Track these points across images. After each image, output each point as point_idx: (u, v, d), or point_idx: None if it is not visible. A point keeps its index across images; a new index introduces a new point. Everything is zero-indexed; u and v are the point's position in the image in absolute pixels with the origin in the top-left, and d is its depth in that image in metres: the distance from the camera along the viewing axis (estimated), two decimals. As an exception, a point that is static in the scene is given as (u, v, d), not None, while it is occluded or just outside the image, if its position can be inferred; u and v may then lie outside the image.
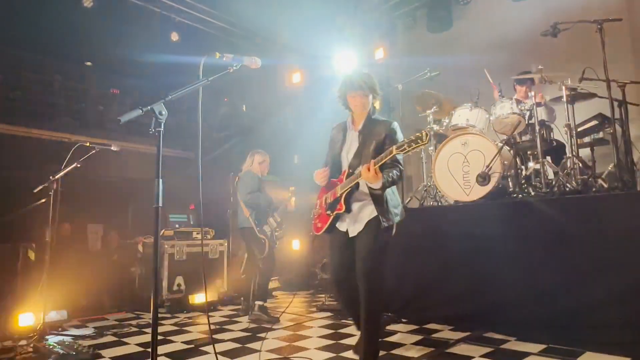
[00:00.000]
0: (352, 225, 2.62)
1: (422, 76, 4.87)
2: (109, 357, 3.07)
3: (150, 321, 1.60)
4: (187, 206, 6.78)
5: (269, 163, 4.62)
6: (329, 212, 2.68)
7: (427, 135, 2.22)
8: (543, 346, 2.92)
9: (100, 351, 3.20)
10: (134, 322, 4.23)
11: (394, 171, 2.47)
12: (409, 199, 4.82)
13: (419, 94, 4.73)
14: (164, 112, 1.70)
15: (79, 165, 3.65)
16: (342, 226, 2.68)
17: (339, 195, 2.61)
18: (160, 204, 1.65)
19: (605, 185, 3.51)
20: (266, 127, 8.15)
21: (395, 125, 2.63)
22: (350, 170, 2.60)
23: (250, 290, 4.33)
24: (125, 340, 3.56)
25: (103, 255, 6.36)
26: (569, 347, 2.85)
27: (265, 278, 4.26)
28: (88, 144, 3.66)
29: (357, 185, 2.55)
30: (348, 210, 2.60)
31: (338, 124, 2.84)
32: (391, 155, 2.33)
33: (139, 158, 8.19)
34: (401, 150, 2.29)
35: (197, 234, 5.28)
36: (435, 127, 4.59)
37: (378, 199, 2.54)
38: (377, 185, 2.42)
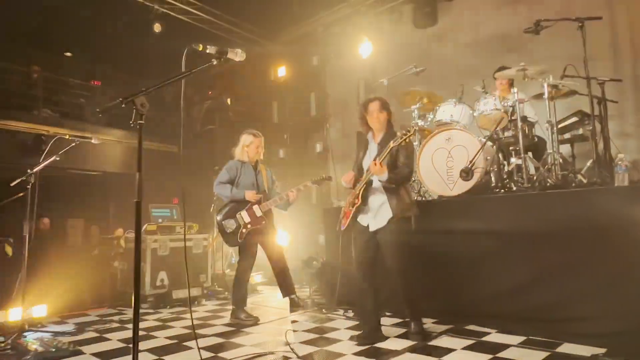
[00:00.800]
0: (373, 220, 3.10)
1: (407, 71, 4.88)
2: (90, 354, 3.03)
3: (132, 317, 1.58)
4: (170, 200, 6.70)
5: (260, 146, 4.04)
6: (350, 207, 3.19)
7: (414, 130, 2.93)
8: (523, 338, 2.98)
9: (81, 347, 3.15)
10: (115, 318, 4.18)
11: (404, 169, 3.06)
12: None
13: (403, 92, 4.75)
14: (145, 105, 1.66)
15: (58, 158, 3.56)
16: (363, 220, 3.16)
17: (357, 192, 3.12)
18: (141, 198, 1.62)
19: (585, 181, 3.58)
20: (251, 121, 8.09)
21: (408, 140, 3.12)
22: (367, 173, 3.13)
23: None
24: (106, 336, 3.51)
25: (84, 250, 6.24)
26: (547, 338, 2.92)
27: (237, 280, 3.89)
28: (68, 137, 3.57)
29: (371, 182, 3.07)
30: (364, 203, 3.09)
31: (360, 141, 3.42)
32: (389, 149, 2.92)
33: (121, 151, 8.05)
34: (396, 144, 2.89)
35: (181, 228, 5.21)
36: (420, 123, 4.61)
37: (395, 194, 3.04)
38: (383, 177, 2.96)
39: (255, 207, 3.84)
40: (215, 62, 1.98)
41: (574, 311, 2.93)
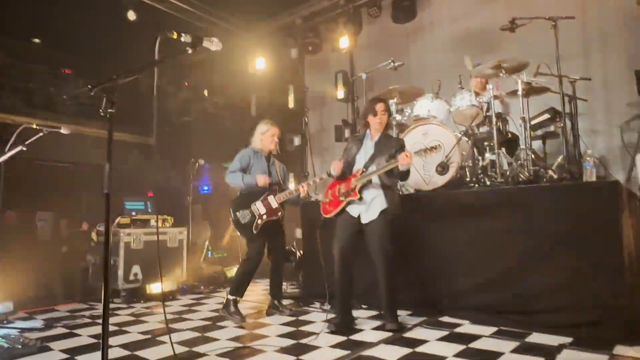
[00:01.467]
0: (365, 213, 3.23)
1: (386, 66, 4.90)
2: (59, 350, 2.94)
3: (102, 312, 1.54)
4: (144, 193, 6.56)
5: (277, 135, 3.93)
6: (342, 198, 3.30)
7: (438, 145, 3.29)
8: (494, 329, 3.06)
9: (49, 344, 3.06)
10: (86, 313, 4.07)
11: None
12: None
13: (381, 94, 4.75)
14: (115, 93, 1.61)
15: (24, 149, 3.40)
16: (353, 211, 3.28)
17: (354, 185, 3.25)
18: (111, 190, 1.56)
19: (555, 176, 3.69)
20: (229, 113, 7.98)
21: (404, 141, 3.38)
22: (364, 170, 3.27)
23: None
24: (76, 332, 3.42)
25: (53, 244, 6.04)
26: (517, 329, 3.00)
27: (242, 270, 3.75)
28: (35, 126, 3.42)
29: (371, 180, 3.23)
30: (360, 198, 3.22)
31: (355, 136, 3.65)
32: (418, 152, 3.26)
33: (93, 142, 7.80)
34: (424, 153, 3.27)
35: (156, 221, 5.11)
36: (398, 117, 4.64)
37: (390, 191, 3.23)
38: (407, 167, 3.12)
39: (271, 198, 3.70)
40: (190, 51, 1.93)
41: (543, 303, 3.03)
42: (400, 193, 4.34)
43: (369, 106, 3.41)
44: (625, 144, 4.01)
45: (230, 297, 3.66)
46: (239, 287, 3.71)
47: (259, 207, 3.69)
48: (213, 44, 1.98)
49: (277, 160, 4.06)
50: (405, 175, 3.24)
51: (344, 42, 6.45)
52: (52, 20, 7.43)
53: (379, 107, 3.34)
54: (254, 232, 3.65)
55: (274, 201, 3.71)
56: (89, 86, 1.55)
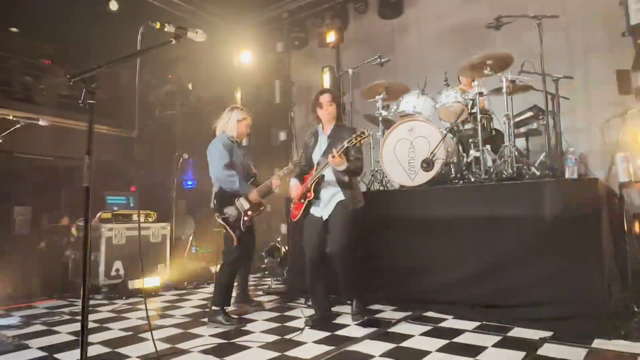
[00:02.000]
0: (324, 209, 3.21)
1: (372, 62, 4.89)
2: (37, 347, 2.86)
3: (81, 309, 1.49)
4: (127, 188, 6.44)
5: (249, 126, 3.69)
6: (302, 200, 3.27)
7: (368, 133, 3.00)
8: (477, 323, 3.10)
9: (27, 341, 2.98)
10: (66, 310, 3.98)
11: (357, 162, 3.18)
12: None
13: (366, 88, 4.75)
14: (95, 84, 1.56)
15: (0, 141, 3.31)
16: (316, 212, 3.25)
17: (309, 185, 3.20)
18: (91, 183, 1.52)
19: (538, 173, 3.74)
20: (213, 107, 7.88)
21: (354, 131, 3.12)
22: (318, 166, 3.20)
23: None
24: (55, 329, 3.34)
25: (31, 239, 5.89)
26: (500, 324, 3.04)
27: (225, 278, 3.42)
28: (12, 117, 3.32)
29: (324, 175, 3.16)
30: (317, 197, 3.18)
31: (310, 132, 3.51)
32: (343, 148, 2.99)
33: (73, 135, 7.61)
34: (350, 144, 2.98)
35: (138, 216, 5.02)
36: (384, 113, 4.65)
37: (346, 186, 3.16)
38: (343, 167, 3.05)
39: (255, 191, 3.49)
40: (174, 42, 1.88)
41: (524, 298, 3.08)
42: (385, 189, 4.37)
43: (314, 99, 3.36)
44: (606, 142, 4.09)
45: (217, 308, 3.34)
46: (225, 296, 3.38)
47: (242, 202, 3.46)
48: (198, 36, 1.94)
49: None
50: (355, 171, 3.21)
51: (331, 37, 6.43)
52: (31, 9, 7.20)
53: (324, 98, 3.30)
54: (242, 229, 3.41)
55: (256, 195, 3.50)
56: (68, 76, 1.50)
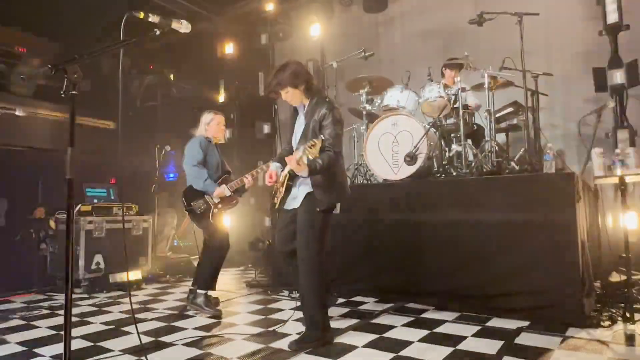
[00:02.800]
0: (293, 201, 2.79)
1: (356, 55, 4.91)
2: (15, 342, 2.81)
3: (64, 302, 1.48)
4: (107, 180, 6.32)
5: (222, 123, 3.77)
6: (275, 195, 2.85)
7: (320, 140, 2.44)
8: (457, 314, 3.18)
9: (5, 336, 2.92)
10: (45, 304, 3.91)
11: (324, 157, 2.54)
12: (340, 176, 4.90)
13: (352, 79, 4.77)
14: (78, 73, 1.53)
15: (-25, 131, 3.21)
16: (288, 205, 2.83)
17: (281, 179, 2.78)
18: (73, 175, 1.50)
19: (517, 167, 3.84)
20: (196, 99, 7.78)
21: (328, 108, 2.63)
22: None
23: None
24: (34, 323, 3.28)
25: (7, 232, 5.74)
26: (479, 314, 3.13)
27: (210, 262, 3.53)
28: (-14, 107, 3.22)
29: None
30: (288, 193, 2.77)
31: (293, 112, 2.93)
32: (299, 157, 2.44)
33: (51, 126, 7.42)
34: (297, 157, 2.45)
35: (119, 209, 4.94)
36: (368, 107, 4.67)
37: (321, 184, 2.65)
38: (303, 174, 2.55)
39: (224, 187, 3.55)
40: (158, 33, 1.85)
41: (502, 289, 3.16)
42: (369, 182, 4.41)
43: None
44: (582, 137, 4.21)
45: (201, 292, 3.43)
46: (211, 280, 3.49)
47: (213, 197, 3.56)
48: (182, 26, 1.92)
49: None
50: (326, 169, 2.59)
51: (315, 29, 6.40)
52: (5, -5, 6.94)
53: (272, 84, 2.72)
54: (210, 222, 3.52)
55: (227, 190, 3.56)
56: (49, 66, 1.47)
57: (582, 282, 2.93)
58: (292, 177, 2.73)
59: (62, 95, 1.58)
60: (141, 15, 1.80)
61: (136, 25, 1.90)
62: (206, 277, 3.49)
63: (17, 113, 3.30)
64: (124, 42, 1.70)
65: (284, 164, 2.81)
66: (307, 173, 2.53)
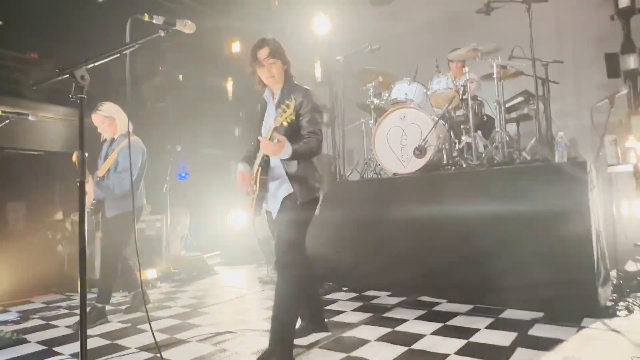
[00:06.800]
0: (272, 205, 2.40)
1: (363, 49, 4.88)
2: (36, 342, 2.89)
3: (79, 302, 1.52)
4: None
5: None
6: (250, 194, 2.43)
7: (293, 100, 2.09)
8: (470, 306, 3.17)
9: (26, 336, 3.00)
10: (63, 304, 4.01)
11: (310, 142, 2.25)
12: (350, 172, 4.91)
13: (358, 71, 4.75)
14: (86, 77, 1.56)
15: (-10, 137, 3.28)
16: (266, 206, 2.45)
17: (254, 175, 2.39)
18: (85, 177, 1.53)
19: (528, 158, 3.79)
20: (205, 98, 7.83)
21: (305, 96, 2.33)
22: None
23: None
24: (53, 323, 3.36)
25: (26, 234, 5.88)
26: (492, 306, 3.11)
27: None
28: (1, 113, 3.29)
29: (269, 161, 2.33)
30: (265, 190, 2.35)
31: (262, 105, 2.56)
32: (274, 128, 2.10)
33: (64, 129, 7.55)
34: (276, 123, 2.08)
35: (132, 209, 5.01)
36: (376, 101, 4.65)
37: (294, 177, 2.31)
38: (285, 154, 2.15)
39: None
40: (162, 34, 1.87)
41: (516, 279, 3.13)
42: (379, 177, 4.40)
43: (249, 59, 2.40)
44: (595, 125, 4.13)
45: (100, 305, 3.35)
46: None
47: None
48: (186, 27, 1.93)
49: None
50: (308, 154, 2.28)
51: (322, 25, 6.37)
52: (16, 0, 7.07)
53: (260, 54, 2.34)
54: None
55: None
56: (57, 70, 1.50)
57: (597, 272, 2.89)
58: (265, 170, 2.34)
59: (72, 99, 1.61)
60: (146, 17, 1.82)
61: (143, 28, 1.92)
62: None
63: (30, 118, 3.37)
64: (129, 45, 1.72)
65: (252, 164, 2.47)
66: (289, 153, 2.14)
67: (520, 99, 4.32)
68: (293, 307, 2.31)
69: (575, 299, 2.85)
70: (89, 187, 3.29)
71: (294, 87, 2.42)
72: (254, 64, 2.37)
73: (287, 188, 2.32)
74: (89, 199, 3.30)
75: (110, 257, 3.43)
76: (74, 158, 3.21)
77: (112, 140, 3.54)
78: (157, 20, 1.85)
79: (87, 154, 3.08)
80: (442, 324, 2.81)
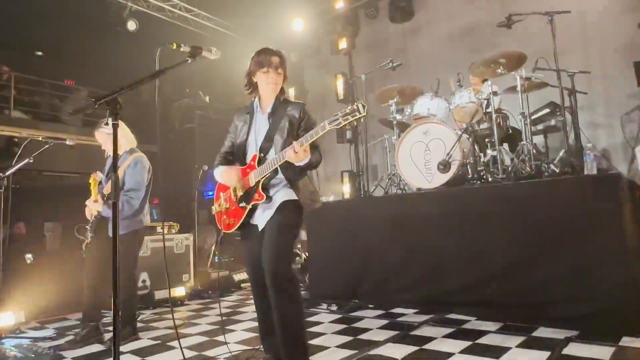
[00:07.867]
0: (262, 215, 2.33)
1: (384, 66, 4.93)
2: (71, 358, 2.99)
3: (112, 319, 1.58)
4: (150, 200, 6.61)
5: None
6: (243, 204, 2.32)
7: (364, 106, 1.94)
8: (500, 324, 3.08)
9: (62, 352, 3.11)
10: (97, 321, 4.12)
11: (316, 154, 2.25)
12: (374, 187, 4.91)
13: (381, 91, 4.78)
14: (119, 105, 1.65)
15: (31, 161, 3.48)
16: (258, 220, 2.35)
17: (254, 183, 2.29)
18: (118, 199, 1.61)
19: (557, 170, 3.70)
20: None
21: (305, 111, 2.37)
22: (262, 155, 2.33)
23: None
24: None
25: (62, 253, 6.12)
26: (523, 324, 3.01)
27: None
28: (41, 139, 3.49)
29: (277, 170, 2.28)
30: (269, 198, 2.27)
31: (239, 109, 2.59)
32: (325, 131, 2.03)
33: (98, 152, 7.90)
34: (336, 125, 1.99)
35: (162, 228, 5.16)
36: (398, 117, 4.67)
37: (296, 185, 2.31)
38: (304, 162, 2.16)
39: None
40: (189, 61, 1.97)
41: (548, 296, 3.03)
42: (403, 192, 4.38)
43: (254, 64, 2.39)
44: (626, 136, 4.01)
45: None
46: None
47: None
48: (212, 54, 2.02)
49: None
50: (314, 166, 2.29)
51: (343, 44, 6.50)
52: (54, 32, 7.53)
53: (274, 60, 2.36)
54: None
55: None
56: (92, 99, 1.60)
57: (635, 288, 2.77)
58: (268, 180, 2.31)
59: (107, 126, 1.71)
60: (174, 46, 1.92)
61: (172, 54, 2.03)
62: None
63: (67, 143, 3.55)
64: (158, 72, 1.82)
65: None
66: (307, 162, 2.17)
67: (546, 110, 4.25)
68: (303, 317, 2.28)
69: (613, 316, 2.73)
70: (93, 203, 3.48)
71: (289, 100, 2.48)
72: (261, 67, 2.36)
73: (284, 194, 2.31)
74: (90, 214, 3.51)
75: (122, 280, 3.30)
76: (91, 179, 3.37)
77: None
78: (185, 48, 1.95)
79: (102, 175, 3.21)
80: (471, 342, 2.74)
